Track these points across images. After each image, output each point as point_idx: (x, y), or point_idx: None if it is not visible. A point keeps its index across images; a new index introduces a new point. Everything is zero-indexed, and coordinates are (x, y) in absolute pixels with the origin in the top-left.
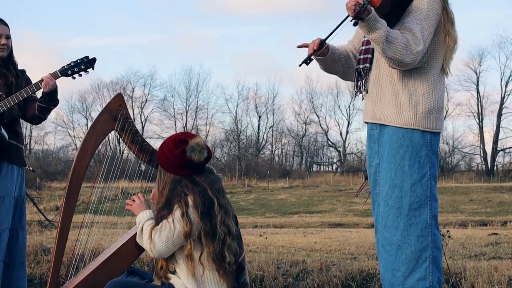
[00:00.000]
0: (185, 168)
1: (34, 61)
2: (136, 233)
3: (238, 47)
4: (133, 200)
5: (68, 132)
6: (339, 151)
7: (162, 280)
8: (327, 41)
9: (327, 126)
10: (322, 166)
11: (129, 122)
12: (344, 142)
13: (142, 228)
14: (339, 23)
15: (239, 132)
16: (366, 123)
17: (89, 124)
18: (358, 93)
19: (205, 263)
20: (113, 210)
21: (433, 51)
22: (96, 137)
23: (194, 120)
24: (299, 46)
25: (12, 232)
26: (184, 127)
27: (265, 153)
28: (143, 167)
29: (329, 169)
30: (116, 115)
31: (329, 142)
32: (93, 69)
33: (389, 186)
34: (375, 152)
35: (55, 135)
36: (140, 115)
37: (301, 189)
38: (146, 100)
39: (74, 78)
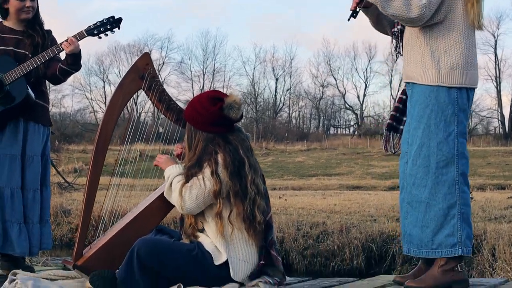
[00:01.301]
0: (219, 125)
1: (50, 25)
2: (163, 192)
3: (255, 9)
4: (160, 157)
5: (85, 95)
6: (356, 114)
7: (190, 239)
8: None
9: (344, 89)
10: (339, 129)
11: (156, 81)
12: (361, 105)
13: (171, 183)
14: None
15: (256, 95)
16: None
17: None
18: (397, 55)
19: (234, 222)
20: (132, 172)
21: (451, 4)
22: (123, 97)
23: (211, 82)
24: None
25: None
26: (201, 90)
27: (282, 115)
28: (161, 129)
29: (346, 132)
30: (143, 73)
31: (346, 105)
32: (119, 28)
33: (417, 145)
34: (408, 111)
35: (72, 97)
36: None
37: (318, 152)
38: (163, 63)
39: (100, 37)
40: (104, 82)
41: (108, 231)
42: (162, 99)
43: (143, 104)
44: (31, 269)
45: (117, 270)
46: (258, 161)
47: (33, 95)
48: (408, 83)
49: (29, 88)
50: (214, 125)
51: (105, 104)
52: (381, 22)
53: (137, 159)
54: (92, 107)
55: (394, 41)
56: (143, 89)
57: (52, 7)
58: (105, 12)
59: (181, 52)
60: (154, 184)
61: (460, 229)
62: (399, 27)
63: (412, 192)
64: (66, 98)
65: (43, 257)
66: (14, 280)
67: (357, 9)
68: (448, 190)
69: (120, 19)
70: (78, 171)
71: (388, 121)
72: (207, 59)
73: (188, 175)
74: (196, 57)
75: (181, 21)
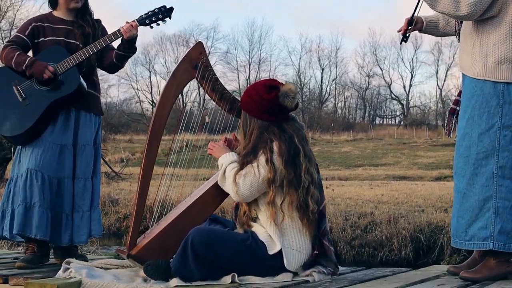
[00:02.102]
0: (274, 114)
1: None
2: (216, 182)
3: None
4: (212, 145)
5: (131, 85)
6: (402, 104)
7: (244, 228)
8: (414, 16)
9: (390, 79)
10: (385, 119)
11: (210, 71)
12: (407, 95)
13: (225, 170)
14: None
15: (302, 85)
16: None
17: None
18: (458, 38)
19: (285, 211)
20: (179, 162)
21: None
22: (177, 87)
23: (257, 72)
24: (399, 31)
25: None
26: (247, 80)
27: (328, 106)
28: (207, 119)
29: (392, 122)
30: (196, 63)
31: (392, 95)
32: (170, 18)
33: (461, 134)
34: (459, 100)
35: (118, 87)
36: None
37: (364, 142)
38: (209, 53)
39: (151, 27)
40: (150, 72)
41: (162, 221)
42: (215, 89)
43: (188, 94)
44: (84, 258)
45: (171, 259)
46: (312, 151)
47: (85, 85)
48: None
49: (81, 78)
50: (268, 113)
51: (151, 94)
52: (442, 31)
53: (183, 148)
54: (138, 97)
55: (457, 27)
56: (197, 79)
57: None
58: (148, 2)
59: (227, 42)
60: (201, 174)
61: (493, 223)
62: None
63: (454, 181)
64: (112, 88)
65: (93, 246)
66: (68, 269)
67: (407, 34)
68: (485, 182)
69: (171, 9)
70: (124, 161)
71: (452, 105)
72: (253, 49)
73: (243, 163)
74: (242, 47)
75: (227, 10)
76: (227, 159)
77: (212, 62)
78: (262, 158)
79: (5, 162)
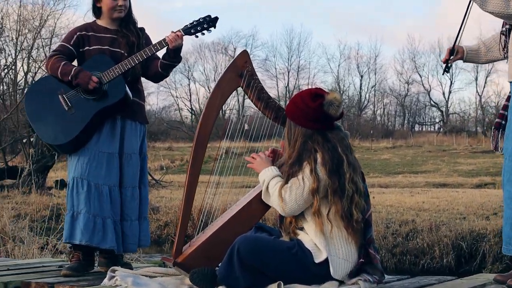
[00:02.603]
0: (319, 122)
1: None
2: (261, 191)
3: (338, 5)
4: (253, 158)
5: (171, 93)
6: (441, 111)
7: (290, 236)
8: (456, 45)
9: (430, 86)
10: (424, 126)
11: (255, 79)
12: (447, 102)
13: (267, 186)
14: (460, 26)
15: (341, 92)
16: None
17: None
18: (505, 54)
19: (332, 220)
20: (220, 169)
21: None
22: (222, 95)
23: (296, 80)
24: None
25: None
26: (286, 87)
27: (367, 113)
28: (246, 126)
29: (432, 129)
30: (242, 71)
31: (432, 102)
32: (215, 27)
33: None
34: (510, 108)
35: (157, 95)
36: None
37: (404, 149)
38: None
39: (197, 36)
40: (189, 79)
41: (207, 229)
42: (260, 97)
43: (228, 101)
44: (129, 266)
45: (217, 267)
46: (357, 159)
47: (130, 93)
48: (510, 82)
49: (127, 87)
50: (313, 121)
51: (190, 102)
52: (485, 58)
53: (222, 156)
54: (177, 105)
55: (503, 40)
56: (242, 87)
57: (133, 4)
58: (189, 11)
59: (266, 49)
60: (245, 181)
61: None
62: (507, 26)
63: (506, 188)
64: (152, 95)
65: (136, 254)
66: (113, 277)
67: (449, 64)
68: None
69: (216, 18)
70: (164, 168)
71: (497, 119)
72: (291, 56)
73: (289, 174)
74: (281, 54)
75: (266, 18)
76: (268, 174)
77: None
78: (306, 169)
79: (46, 170)
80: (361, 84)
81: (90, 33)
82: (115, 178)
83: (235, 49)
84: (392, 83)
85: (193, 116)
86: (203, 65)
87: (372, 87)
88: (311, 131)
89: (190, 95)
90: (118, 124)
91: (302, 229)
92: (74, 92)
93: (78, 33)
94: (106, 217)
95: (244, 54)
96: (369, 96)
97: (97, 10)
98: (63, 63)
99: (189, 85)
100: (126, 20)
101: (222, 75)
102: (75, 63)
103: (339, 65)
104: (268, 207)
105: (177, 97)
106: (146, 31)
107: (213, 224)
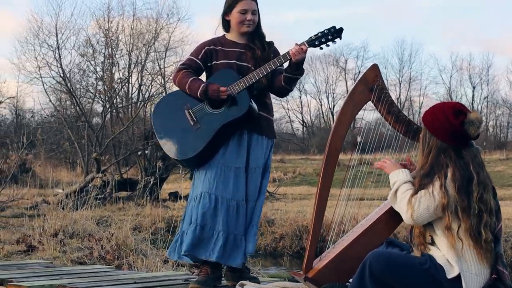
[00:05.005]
0: (456, 139)
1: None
2: (391, 206)
3: (450, 16)
4: (384, 161)
5: (282, 105)
6: None
7: (421, 251)
8: None
9: None
10: None
11: (385, 93)
12: None
13: (397, 190)
14: None
15: None
16: None
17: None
18: None
19: (462, 237)
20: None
21: None
22: (353, 108)
23: (408, 91)
24: None
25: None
26: (397, 99)
27: None
28: (358, 139)
29: None
30: (372, 85)
31: None
32: (340, 39)
33: None
34: None
35: None
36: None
37: None
38: (359, 72)
39: (321, 48)
40: (300, 92)
41: (338, 243)
42: (391, 111)
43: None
44: (256, 280)
45: (348, 282)
46: (489, 175)
47: (256, 107)
48: None
49: (252, 101)
50: (451, 136)
51: (302, 114)
52: None
53: (350, 168)
54: (289, 117)
55: None
56: (372, 101)
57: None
58: (303, 24)
59: (377, 61)
60: (357, 194)
61: None
62: None
63: None
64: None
65: (255, 267)
66: None
67: None
68: None
69: (341, 29)
70: (277, 180)
71: None
72: (403, 68)
73: (420, 185)
74: (392, 66)
75: (377, 29)
76: (400, 177)
77: None
78: (436, 183)
79: (161, 183)
80: (473, 95)
81: (218, 47)
82: (242, 192)
83: (346, 61)
84: (504, 94)
85: (305, 128)
86: (314, 77)
87: (485, 98)
88: (446, 145)
89: (302, 107)
90: (245, 138)
91: (433, 244)
92: (199, 107)
93: (206, 48)
94: (234, 233)
95: (375, 68)
96: (481, 107)
97: (226, 24)
98: (191, 78)
99: (300, 97)
100: (253, 34)
101: (353, 88)
102: (202, 77)
103: (451, 76)
104: (399, 222)
105: (288, 109)
106: (277, 44)
107: (344, 239)
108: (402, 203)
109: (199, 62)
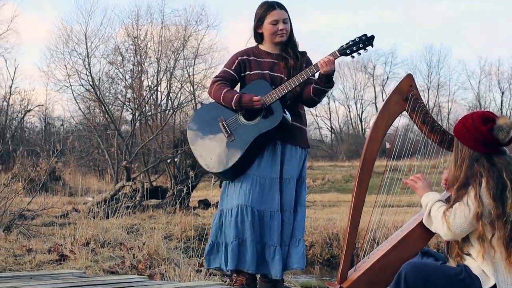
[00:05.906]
0: (485, 146)
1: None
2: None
3: (478, 21)
4: (415, 181)
5: (310, 111)
6: None
7: (457, 261)
8: None
9: None
10: None
11: (420, 103)
12: None
13: (430, 211)
14: None
15: (482, 109)
16: None
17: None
18: None
19: (495, 246)
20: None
21: None
22: (388, 117)
23: (436, 97)
24: None
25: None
26: (426, 104)
27: None
28: (388, 145)
29: None
30: (407, 95)
31: None
32: (372, 46)
33: None
34: None
35: None
36: (382, 93)
37: None
38: (388, 78)
39: (353, 57)
40: (328, 98)
41: (373, 253)
42: (426, 121)
43: (367, 119)
44: None
45: None
46: None
47: (289, 118)
48: None
49: (286, 111)
50: (481, 144)
51: (330, 120)
52: None
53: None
54: (317, 123)
55: None
56: (407, 111)
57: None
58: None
59: (405, 66)
60: (390, 200)
61: None
62: None
63: None
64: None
65: (287, 277)
66: None
67: None
68: None
69: (372, 37)
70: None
71: None
72: (431, 73)
73: (456, 197)
74: (420, 72)
75: (405, 35)
76: (431, 198)
77: (390, 87)
78: (471, 193)
79: (190, 190)
80: (502, 100)
81: (251, 58)
82: (277, 203)
83: (374, 67)
84: None
85: (333, 134)
86: (343, 83)
87: None
88: (478, 154)
89: (330, 114)
90: (279, 149)
91: (469, 254)
92: (233, 119)
93: (239, 58)
94: (269, 244)
95: (409, 77)
96: (510, 112)
97: (258, 37)
98: (225, 90)
99: (328, 103)
100: (286, 44)
101: (388, 98)
102: (237, 88)
103: (479, 82)
104: (433, 232)
105: (316, 115)
106: (310, 54)
107: (379, 249)
108: (436, 220)
109: (233, 73)
